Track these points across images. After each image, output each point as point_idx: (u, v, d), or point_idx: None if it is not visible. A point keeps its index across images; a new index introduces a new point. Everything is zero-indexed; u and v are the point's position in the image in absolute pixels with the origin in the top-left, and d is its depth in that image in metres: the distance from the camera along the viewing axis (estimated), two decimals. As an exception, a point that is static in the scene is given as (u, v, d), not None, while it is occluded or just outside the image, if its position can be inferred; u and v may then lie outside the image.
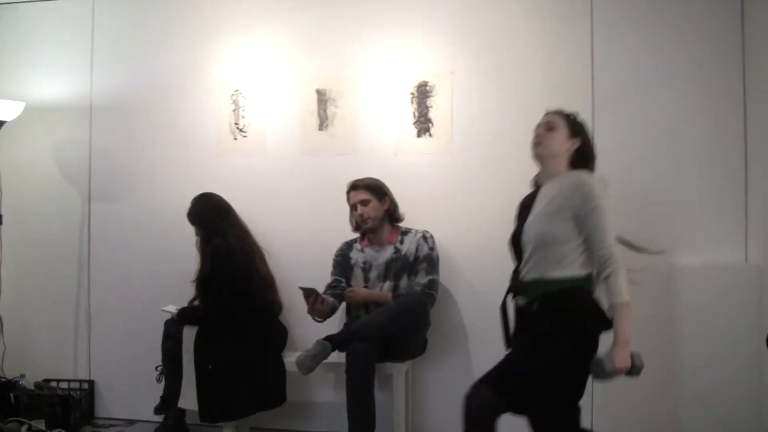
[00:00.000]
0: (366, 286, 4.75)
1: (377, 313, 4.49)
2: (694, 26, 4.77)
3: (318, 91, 5.21)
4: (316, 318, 4.59)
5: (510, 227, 4.67)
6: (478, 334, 4.99)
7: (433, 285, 4.65)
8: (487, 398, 3.21)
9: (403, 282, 4.67)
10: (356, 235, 4.90)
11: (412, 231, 4.78)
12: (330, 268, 4.87)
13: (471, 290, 5.01)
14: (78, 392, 5.34)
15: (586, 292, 3.32)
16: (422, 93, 5.07)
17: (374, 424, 4.34)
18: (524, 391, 3.20)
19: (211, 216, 4.84)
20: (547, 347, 3.23)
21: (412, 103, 5.08)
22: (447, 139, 5.04)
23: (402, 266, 4.69)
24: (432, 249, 4.71)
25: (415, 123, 5.08)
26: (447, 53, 5.08)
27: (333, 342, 4.42)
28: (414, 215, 4.85)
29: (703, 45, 4.75)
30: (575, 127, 3.52)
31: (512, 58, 5.00)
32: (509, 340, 3.54)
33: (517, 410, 3.27)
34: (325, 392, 5.19)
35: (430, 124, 5.05)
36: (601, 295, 3.30)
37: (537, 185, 3.60)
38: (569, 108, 3.60)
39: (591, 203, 3.25)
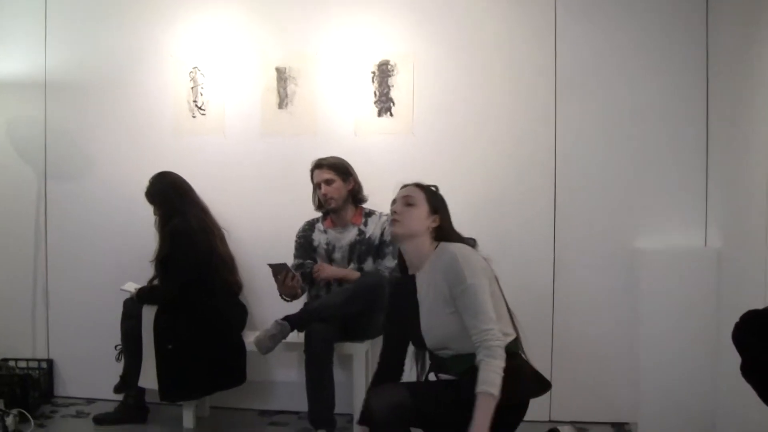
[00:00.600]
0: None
1: (336, 293, 4.49)
2: (658, 11, 4.80)
3: (278, 69, 5.16)
4: (285, 297, 4.56)
5: (468, 207, 4.76)
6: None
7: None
8: (401, 401, 3.01)
9: (368, 265, 4.67)
10: (317, 214, 4.86)
11: (376, 213, 4.76)
12: (291, 250, 4.83)
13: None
14: (36, 371, 5.29)
15: (516, 355, 3.17)
16: (383, 72, 5.04)
17: (333, 404, 4.37)
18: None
19: (170, 195, 4.80)
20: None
21: (373, 82, 5.06)
22: (408, 118, 5.03)
23: (366, 249, 4.68)
24: None
25: (376, 102, 5.06)
26: (409, 32, 5.06)
27: (292, 322, 4.42)
28: (374, 196, 4.82)
29: (667, 31, 4.79)
30: (435, 204, 3.37)
31: (474, 38, 4.99)
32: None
33: None
34: (286, 372, 5.21)
35: (392, 104, 5.03)
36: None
37: (403, 269, 3.43)
38: (425, 183, 3.49)
39: (461, 285, 3.09)
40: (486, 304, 3.07)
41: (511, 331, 3.22)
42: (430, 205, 3.34)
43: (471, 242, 3.33)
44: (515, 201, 4.88)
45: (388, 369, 3.44)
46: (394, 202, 3.38)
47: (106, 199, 5.38)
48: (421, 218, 3.29)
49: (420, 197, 3.34)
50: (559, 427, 3.66)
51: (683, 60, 4.76)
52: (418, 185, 3.41)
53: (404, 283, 3.40)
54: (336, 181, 4.66)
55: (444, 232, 3.32)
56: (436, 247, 3.28)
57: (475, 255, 3.22)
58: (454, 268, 3.11)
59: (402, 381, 3.38)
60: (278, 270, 4.45)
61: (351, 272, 4.63)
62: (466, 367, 3.10)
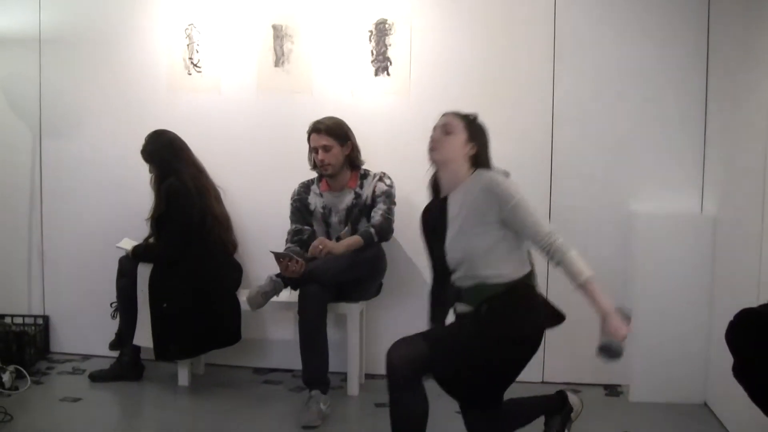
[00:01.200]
0: (327, 231, 4.72)
1: (335, 259, 4.45)
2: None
3: (274, 27, 5.10)
4: (287, 280, 4.46)
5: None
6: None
7: (391, 212, 4.64)
8: (417, 354, 3.20)
9: (362, 225, 4.65)
10: (313, 173, 4.83)
11: (370, 174, 4.73)
12: (286, 209, 4.82)
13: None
14: (32, 328, 5.31)
15: (531, 288, 3.32)
16: (381, 31, 4.99)
17: (327, 364, 4.40)
18: (464, 375, 3.19)
19: (165, 154, 4.77)
20: (500, 345, 3.16)
21: (370, 41, 5.01)
22: (405, 78, 5.00)
23: (361, 211, 4.66)
24: (390, 186, 4.68)
25: (373, 62, 5.02)
26: (406, -10, 5.00)
27: (286, 280, 4.43)
28: (370, 155, 4.82)
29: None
30: (473, 131, 3.40)
31: (473, -4, 4.94)
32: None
33: (445, 387, 3.28)
34: (280, 330, 5.23)
35: (389, 63, 5.00)
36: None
37: (435, 192, 3.52)
38: (465, 111, 3.49)
39: (510, 202, 3.18)
40: (536, 212, 3.23)
41: (528, 265, 3.34)
42: (468, 133, 3.38)
43: (505, 173, 3.38)
44: (511, 162, 4.73)
45: (437, 293, 3.55)
46: (434, 129, 3.45)
47: (102, 155, 5.35)
48: (457, 146, 3.35)
49: (458, 126, 3.38)
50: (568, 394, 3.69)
51: (683, 23, 4.73)
52: (457, 114, 3.44)
53: (436, 205, 3.48)
54: (334, 147, 4.60)
55: (480, 159, 3.39)
56: (473, 173, 3.36)
57: (510, 180, 3.31)
58: (498, 188, 3.21)
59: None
60: (281, 257, 4.40)
61: (355, 240, 4.52)
62: (483, 298, 3.21)
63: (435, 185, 3.52)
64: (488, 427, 3.42)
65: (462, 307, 3.35)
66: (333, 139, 4.59)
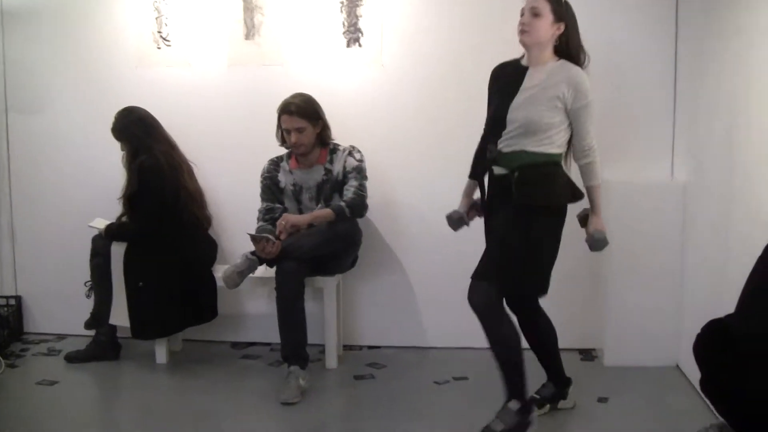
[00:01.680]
0: (300, 209, 4.69)
1: (310, 234, 4.46)
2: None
3: (244, -1, 5.05)
4: (263, 259, 4.45)
5: (440, 137, 4.78)
6: (407, 247, 5.08)
7: (363, 188, 4.63)
8: (486, 294, 3.58)
9: (335, 200, 4.64)
10: (281, 150, 4.79)
11: (340, 148, 4.69)
12: (258, 184, 4.78)
13: (402, 204, 5.05)
14: (5, 309, 5.26)
15: (561, 166, 3.64)
16: (352, 2, 4.94)
17: (305, 339, 4.41)
18: (512, 266, 3.55)
19: (136, 131, 4.72)
20: (528, 220, 3.52)
21: (341, 11, 4.96)
22: (377, 49, 4.96)
23: (332, 187, 4.64)
24: (360, 161, 4.66)
25: (344, 33, 4.97)
26: (377, -40, 4.95)
27: (262, 258, 4.43)
28: (342, 127, 4.79)
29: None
30: (560, 11, 3.56)
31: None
32: (486, 208, 3.81)
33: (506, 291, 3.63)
34: (257, 304, 5.23)
35: (360, 35, 4.96)
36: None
37: (519, 62, 3.72)
38: None
39: (583, 100, 3.52)
40: (594, 120, 3.60)
41: (564, 145, 3.64)
42: (555, 14, 3.54)
43: (588, 59, 3.66)
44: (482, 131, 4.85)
45: (483, 147, 3.77)
46: (522, 11, 3.58)
47: (71, 132, 5.28)
48: (546, 27, 3.54)
49: (545, 7, 3.53)
50: None
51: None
52: None
53: (516, 68, 3.70)
54: (307, 128, 4.55)
55: (568, 38, 3.60)
56: (559, 58, 3.61)
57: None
58: (582, 84, 3.52)
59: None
60: (257, 240, 4.38)
61: (323, 213, 4.53)
62: (517, 165, 3.54)
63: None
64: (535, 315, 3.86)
65: (498, 170, 3.65)
66: (305, 120, 4.54)
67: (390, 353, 5.01)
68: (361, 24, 4.95)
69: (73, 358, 4.83)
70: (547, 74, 3.56)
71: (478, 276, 3.64)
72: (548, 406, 3.97)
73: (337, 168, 4.64)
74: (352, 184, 4.59)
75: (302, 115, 4.53)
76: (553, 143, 3.56)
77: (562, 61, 3.58)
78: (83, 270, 4.92)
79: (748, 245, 3.42)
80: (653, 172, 4.76)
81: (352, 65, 5.00)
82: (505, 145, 3.58)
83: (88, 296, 4.92)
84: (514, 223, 3.54)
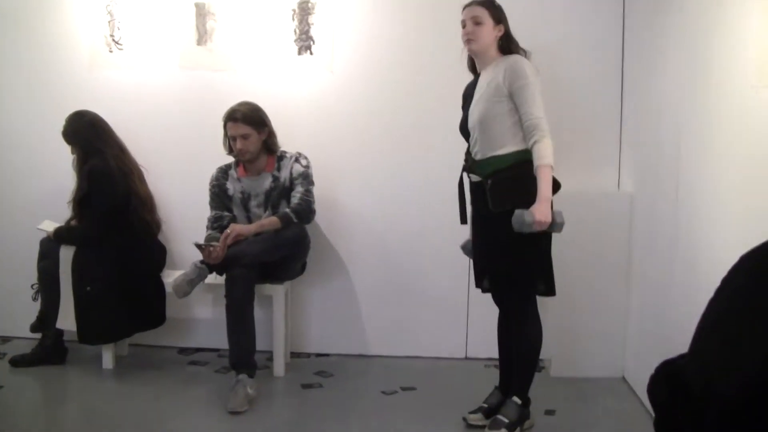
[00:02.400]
0: (248, 216, 4.69)
1: (257, 241, 4.46)
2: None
3: (197, 4, 5.03)
4: (210, 264, 4.46)
5: (388, 144, 4.84)
6: (355, 254, 5.09)
7: (309, 194, 4.64)
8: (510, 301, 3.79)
9: (282, 207, 4.64)
10: (229, 158, 4.79)
11: (287, 155, 4.70)
12: (207, 190, 4.77)
13: (349, 211, 5.06)
14: (-51, 310, 5.21)
15: (530, 162, 3.60)
16: (304, 10, 4.96)
17: (254, 347, 4.40)
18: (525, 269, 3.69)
19: (87, 135, 4.70)
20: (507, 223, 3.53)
21: (293, 19, 4.98)
22: (328, 57, 4.98)
23: (279, 194, 4.65)
24: (306, 167, 4.67)
25: (296, 40, 4.99)
26: (329, -32, 4.97)
27: (211, 266, 4.43)
28: (292, 134, 4.82)
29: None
30: (497, 14, 3.75)
31: (394, -25, 4.93)
32: (464, 216, 3.94)
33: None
34: (206, 309, 5.21)
35: (311, 42, 4.97)
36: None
37: (473, 71, 3.90)
38: None
39: (521, 80, 3.59)
40: (539, 99, 3.62)
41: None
42: (494, 18, 3.73)
43: (527, 54, 3.79)
44: (435, 139, 4.89)
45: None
46: (463, 23, 3.76)
47: (21, 134, 5.23)
48: (489, 32, 3.72)
49: (485, 14, 3.72)
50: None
51: (599, 3, 4.80)
52: (480, 2, 3.76)
53: (474, 81, 3.88)
54: (252, 135, 4.56)
55: (508, 38, 3.78)
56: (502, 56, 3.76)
57: (532, 66, 3.69)
58: (517, 66, 3.63)
59: None
60: (203, 246, 4.37)
61: (270, 222, 4.54)
62: (490, 171, 3.64)
63: (472, 65, 3.92)
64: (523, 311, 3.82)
65: (474, 177, 3.79)
66: (250, 126, 4.55)
67: (338, 361, 5.02)
68: (312, 32, 4.96)
69: (18, 362, 4.77)
70: (493, 71, 3.71)
71: (505, 292, 3.84)
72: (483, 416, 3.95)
73: (284, 175, 4.65)
74: (299, 190, 4.61)
75: (247, 122, 4.54)
76: (516, 137, 3.64)
77: (504, 56, 3.74)
78: (30, 272, 4.88)
79: (693, 256, 3.50)
80: (600, 183, 4.83)
81: (303, 72, 5.02)
82: (476, 151, 3.72)
83: (34, 299, 4.88)
84: (498, 229, 3.63)
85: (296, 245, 4.66)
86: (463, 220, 3.96)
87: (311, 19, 4.95)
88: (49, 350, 4.81)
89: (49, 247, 4.76)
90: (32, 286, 4.89)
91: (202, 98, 5.07)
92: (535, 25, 4.81)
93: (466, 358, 5.00)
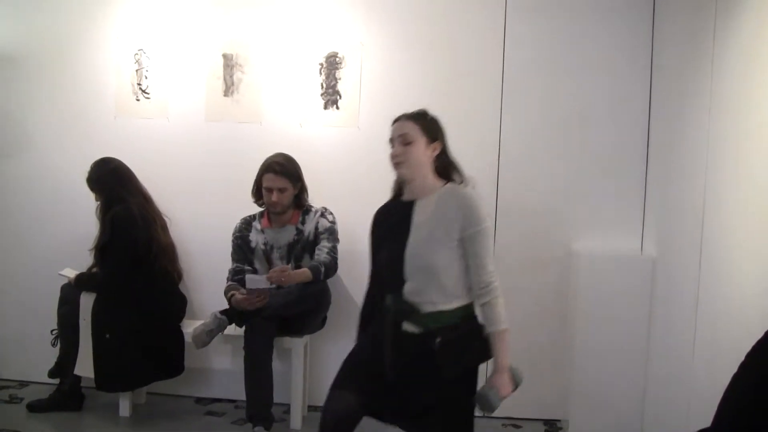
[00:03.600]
0: (269, 269, 4.63)
1: (281, 294, 4.47)
2: (605, 15, 4.85)
3: (225, 56, 5.10)
4: (233, 313, 4.49)
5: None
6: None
7: (335, 250, 4.66)
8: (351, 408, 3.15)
9: (305, 261, 4.66)
10: (252, 209, 4.82)
11: (312, 209, 4.74)
12: (230, 240, 4.81)
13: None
14: (-31, 352, 5.23)
15: (476, 318, 3.18)
16: (331, 64, 5.01)
17: (272, 398, 4.39)
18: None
19: (112, 182, 4.73)
20: (457, 385, 3.11)
21: (320, 73, 5.03)
22: (354, 111, 5.02)
23: (303, 247, 4.67)
24: (332, 222, 4.71)
25: (322, 94, 5.03)
26: (357, 24, 5.03)
27: (230, 317, 4.44)
28: (317, 188, 4.83)
29: (614, 35, 4.85)
30: (432, 131, 3.26)
31: (424, 34, 5.00)
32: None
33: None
34: (224, 360, 5.20)
35: (338, 97, 5.02)
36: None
37: (398, 194, 3.38)
38: (413, 111, 3.35)
39: (476, 226, 3.10)
40: (491, 251, 3.13)
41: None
42: (428, 135, 3.23)
43: (471, 184, 3.27)
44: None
45: (373, 302, 3.41)
46: (391, 141, 3.28)
47: (47, 180, 5.28)
48: (421, 152, 3.20)
49: (416, 131, 3.21)
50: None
51: (628, 64, 4.84)
52: (410, 117, 3.28)
53: (398, 207, 3.30)
54: (288, 189, 4.60)
55: (445, 158, 3.27)
56: (444, 183, 3.23)
57: (479, 198, 3.20)
58: (472, 208, 3.10)
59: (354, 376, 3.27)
60: (252, 292, 4.38)
61: (302, 273, 4.47)
62: (436, 327, 3.09)
63: (399, 188, 3.38)
64: None
65: (410, 327, 3.14)
66: (288, 180, 4.60)
67: (355, 415, 4.98)
68: (339, 86, 5.00)
69: (35, 407, 4.78)
70: (435, 204, 3.17)
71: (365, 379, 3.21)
72: None
73: (308, 228, 4.67)
74: (325, 245, 4.62)
75: (286, 176, 4.58)
76: (463, 289, 3.15)
77: (450, 186, 3.22)
78: (50, 318, 4.89)
79: (715, 322, 3.48)
80: (623, 246, 4.82)
81: (329, 126, 5.06)
82: (418, 299, 3.13)
83: (53, 344, 4.89)
84: (439, 388, 3.11)
85: (318, 300, 4.67)
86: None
87: (339, 73, 5.00)
88: (66, 396, 4.81)
89: (70, 294, 4.77)
90: (51, 331, 4.90)
91: (227, 149, 5.12)
92: (561, 89, 4.85)
93: (484, 416, 4.94)
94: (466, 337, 3.12)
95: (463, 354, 3.10)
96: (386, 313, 3.21)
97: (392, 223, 3.29)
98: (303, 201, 4.74)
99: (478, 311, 3.17)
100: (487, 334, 3.08)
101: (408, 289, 3.14)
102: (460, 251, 3.11)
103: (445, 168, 3.26)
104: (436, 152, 3.24)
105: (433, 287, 3.11)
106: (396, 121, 3.32)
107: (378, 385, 3.15)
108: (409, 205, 3.24)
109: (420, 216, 3.18)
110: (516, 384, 3.13)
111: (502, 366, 3.06)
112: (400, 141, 3.22)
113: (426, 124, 3.25)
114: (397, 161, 3.22)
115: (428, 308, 3.12)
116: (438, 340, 3.07)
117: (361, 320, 3.49)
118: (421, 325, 3.13)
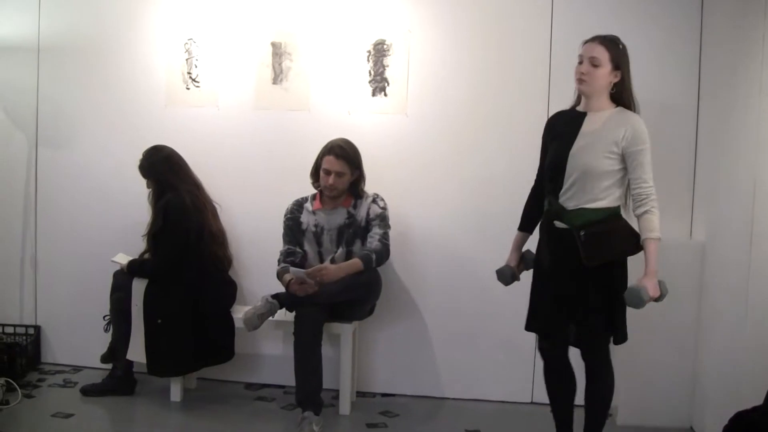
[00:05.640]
0: (319, 251, 4.73)
1: (332, 282, 4.46)
2: (654, 6, 4.81)
3: (273, 44, 5.12)
4: (285, 298, 4.54)
5: (461, 188, 4.86)
6: (426, 296, 5.10)
7: (387, 237, 4.68)
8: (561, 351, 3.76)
9: (356, 247, 4.68)
10: (307, 190, 4.83)
11: (364, 195, 4.75)
12: (281, 225, 4.83)
13: (421, 252, 5.07)
14: (24, 338, 5.31)
15: (622, 217, 3.63)
16: (379, 51, 5.02)
17: (321, 384, 4.42)
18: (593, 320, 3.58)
19: (163, 169, 4.79)
20: (599, 272, 3.52)
21: (368, 61, 5.04)
22: (402, 99, 5.03)
23: (354, 232, 4.69)
24: (384, 208, 4.72)
25: (370, 82, 5.04)
26: (405, 11, 5.03)
27: (282, 301, 4.48)
28: (367, 175, 4.83)
29: (662, 21, 4.79)
30: (618, 58, 3.58)
31: (471, 18, 4.97)
32: (539, 261, 3.80)
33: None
34: (273, 346, 5.24)
35: (386, 84, 5.02)
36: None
37: (575, 108, 3.73)
38: (607, 36, 3.62)
39: (640, 144, 3.49)
40: (650, 167, 3.53)
41: (623, 196, 3.64)
42: (613, 62, 3.56)
43: (638, 108, 3.67)
44: (507, 183, 4.86)
45: (534, 203, 3.90)
46: (580, 58, 3.60)
47: (98, 168, 5.35)
48: (605, 76, 3.56)
49: (604, 57, 3.54)
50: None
51: (676, 53, 4.78)
52: (602, 41, 3.58)
53: (572, 115, 3.71)
54: (346, 175, 4.62)
55: (623, 87, 3.62)
56: (616, 105, 3.63)
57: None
58: (639, 129, 3.52)
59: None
60: (298, 280, 4.43)
61: (354, 264, 4.55)
62: (581, 222, 3.53)
63: (578, 98, 3.73)
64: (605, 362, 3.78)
65: (560, 224, 3.61)
66: (348, 165, 4.62)
67: (403, 402, 5.01)
68: (387, 73, 5.01)
69: (88, 392, 4.86)
70: (604, 121, 3.57)
71: (548, 334, 3.77)
72: None
73: (360, 214, 4.69)
74: (377, 231, 4.64)
75: (346, 160, 4.61)
76: (613, 195, 3.58)
77: (620, 109, 3.61)
78: (103, 303, 4.98)
79: (766, 310, 3.44)
80: (672, 231, 4.75)
81: (377, 113, 5.06)
82: (566, 199, 3.59)
83: (106, 330, 4.98)
84: (585, 279, 3.55)
85: (369, 288, 4.69)
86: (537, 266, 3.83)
87: (386, 60, 5.00)
88: (118, 381, 4.89)
89: (122, 280, 4.84)
90: (104, 317, 4.99)
91: (276, 137, 5.15)
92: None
93: (532, 403, 4.95)
94: (610, 232, 3.53)
95: (605, 245, 3.51)
96: (544, 216, 3.73)
97: (562, 130, 3.68)
98: (360, 190, 4.75)
99: (627, 216, 3.65)
100: (640, 238, 3.51)
101: (564, 192, 3.59)
102: (620, 165, 3.54)
103: (621, 95, 3.62)
104: (617, 79, 3.59)
105: (585, 189, 3.54)
106: (589, 41, 3.61)
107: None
108: (581, 116, 3.65)
109: (589, 126, 3.59)
110: (662, 295, 3.49)
111: (652, 270, 3.45)
112: (589, 61, 3.56)
113: (615, 51, 3.58)
114: (581, 78, 3.59)
115: (573, 205, 3.56)
116: (582, 233, 3.50)
117: (522, 220, 3.95)
118: (568, 222, 3.57)
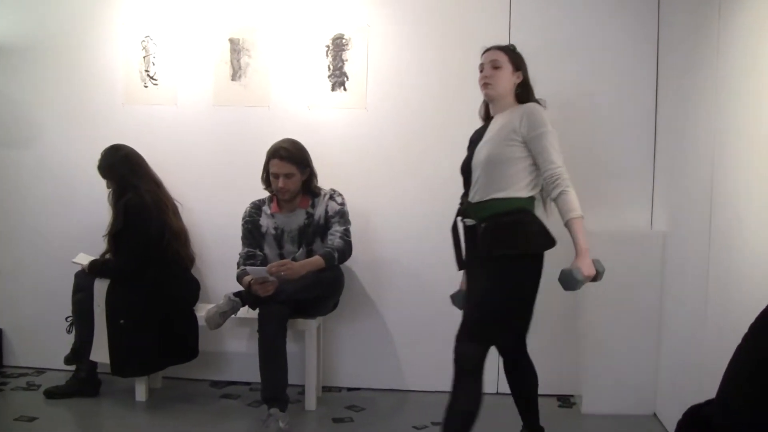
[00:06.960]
0: (280, 253, 4.71)
1: (294, 279, 4.44)
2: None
3: (231, 40, 5.10)
4: (247, 296, 4.53)
5: (422, 183, 4.86)
6: (388, 290, 5.12)
7: (348, 233, 4.68)
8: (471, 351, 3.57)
9: (317, 246, 4.67)
10: (263, 193, 4.83)
11: (321, 192, 4.73)
12: (239, 224, 4.81)
13: (382, 248, 5.09)
14: (-15, 341, 5.27)
15: (531, 212, 3.57)
16: (338, 46, 5.02)
17: (286, 381, 4.41)
18: (494, 321, 3.54)
19: (123, 169, 4.76)
20: (501, 271, 3.48)
21: (327, 56, 5.04)
22: (361, 93, 5.03)
23: (314, 231, 4.68)
24: (342, 204, 4.71)
25: (329, 76, 5.04)
26: (363, 6, 5.03)
27: (244, 299, 4.47)
28: (327, 170, 4.84)
29: (620, 10, 4.84)
30: (517, 61, 3.72)
31: (429, 12, 4.99)
32: (461, 261, 3.82)
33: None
34: (238, 343, 5.24)
35: (345, 78, 5.02)
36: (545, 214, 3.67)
37: (485, 119, 3.83)
38: (502, 44, 3.80)
39: (539, 129, 3.51)
40: (559, 148, 3.53)
41: (532, 191, 3.60)
42: (513, 64, 3.71)
43: (543, 104, 3.75)
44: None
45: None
46: (481, 66, 3.74)
47: (57, 168, 5.30)
48: (507, 77, 3.69)
49: (504, 59, 3.70)
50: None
51: (635, 40, 4.83)
52: (500, 48, 3.75)
53: (485, 124, 3.80)
54: (295, 175, 4.59)
55: (526, 86, 3.74)
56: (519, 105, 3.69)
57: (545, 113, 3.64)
58: (535, 114, 3.56)
59: None
60: (262, 281, 4.40)
61: (315, 261, 4.53)
62: (485, 215, 3.54)
63: (485, 113, 3.86)
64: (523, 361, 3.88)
65: (468, 221, 3.69)
66: (295, 166, 4.58)
67: (369, 396, 5.03)
68: (346, 68, 5.01)
69: (52, 394, 4.82)
70: (505, 117, 3.64)
71: (464, 336, 3.60)
72: None
73: (318, 212, 4.68)
74: (337, 229, 4.64)
75: (292, 161, 4.57)
76: (520, 183, 3.53)
77: (520, 104, 3.68)
78: (65, 305, 4.93)
79: (726, 297, 3.49)
80: (633, 222, 4.83)
81: (337, 108, 5.06)
82: (474, 193, 3.63)
83: (69, 331, 4.93)
84: (487, 275, 3.52)
85: (332, 285, 4.70)
86: (461, 266, 3.84)
87: (345, 55, 5.00)
88: (83, 382, 4.85)
89: (84, 281, 4.80)
90: (66, 318, 4.94)
91: (236, 133, 5.14)
92: (569, 62, 4.85)
93: (498, 393, 4.98)
94: (514, 224, 3.50)
95: (505, 235, 3.48)
96: (455, 215, 3.79)
97: (474, 139, 3.80)
98: (313, 187, 4.73)
99: (539, 207, 3.67)
100: (551, 236, 3.53)
101: (471, 185, 3.66)
102: (524, 152, 3.54)
103: (527, 96, 3.72)
104: (519, 80, 3.72)
105: (489, 180, 3.55)
106: (487, 50, 3.77)
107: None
108: (490, 121, 3.76)
109: (493, 127, 3.68)
110: (599, 273, 3.48)
111: (582, 249, 3.45)
112: (490, 65, 3.69)
113: (513, 55, 3.74)
114: (486, 82, 3.69)
115: (478, 198, 3.59)
116: (483, 225, 3.53)
117: (457, 215, 3.89)
118: (474, 216, 3.61)
